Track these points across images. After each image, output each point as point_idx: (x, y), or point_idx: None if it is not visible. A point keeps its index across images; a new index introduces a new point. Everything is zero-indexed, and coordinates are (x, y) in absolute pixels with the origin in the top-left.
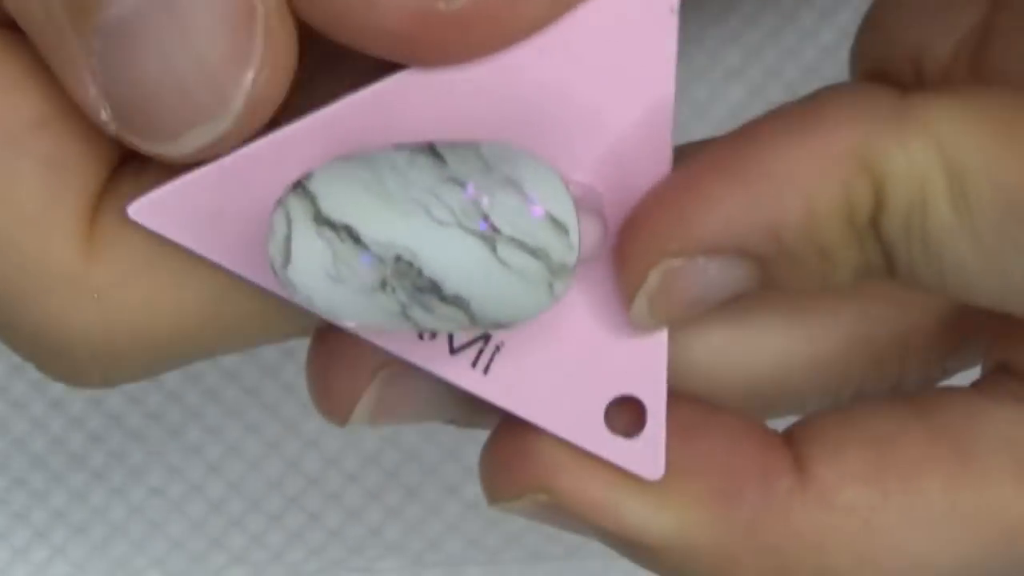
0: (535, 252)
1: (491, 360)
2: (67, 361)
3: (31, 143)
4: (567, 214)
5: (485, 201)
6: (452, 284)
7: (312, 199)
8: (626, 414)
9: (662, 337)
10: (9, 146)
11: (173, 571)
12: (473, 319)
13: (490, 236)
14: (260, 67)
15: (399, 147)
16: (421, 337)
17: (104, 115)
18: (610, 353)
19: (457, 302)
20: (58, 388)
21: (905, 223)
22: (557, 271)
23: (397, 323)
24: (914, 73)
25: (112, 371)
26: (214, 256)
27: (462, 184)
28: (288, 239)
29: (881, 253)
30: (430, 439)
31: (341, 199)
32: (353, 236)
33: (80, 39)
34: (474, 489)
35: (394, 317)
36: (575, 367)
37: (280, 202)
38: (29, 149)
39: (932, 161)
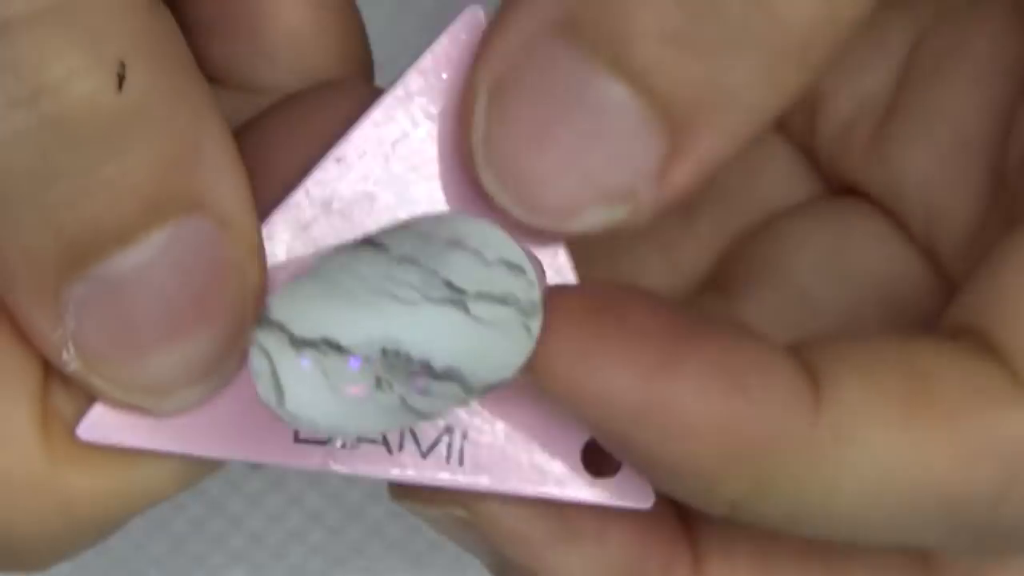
0: (503, 299)
1: (462, 449)
2: (28, 559)
3: None
4: (516, 255)
5: (440, 268)
6: (441, 357)
7: (281, 327)
8: (597, 455)
9: None
10: None
11: (173, 570)
12: (467, 387)
13: (458, 299)
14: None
15: (337, 249)
16: (390, 452)
17: (66, 355)
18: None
19: (450, 375)
20: None
21: (792, 510)
22: (528, 311)
23: (399, 420)
24: (806, 122)
25: (70, 554)
26: (172, 447)
27: (412, 260)
28: (274, 374)
29: (735, 510)
30: None
31: (309, 316)
32: (334, 346)
33: (61, 283)
34: None
35: (395, 414)
36: (539, 427)
37: (253, 343)
38: None
39: (841, 467)
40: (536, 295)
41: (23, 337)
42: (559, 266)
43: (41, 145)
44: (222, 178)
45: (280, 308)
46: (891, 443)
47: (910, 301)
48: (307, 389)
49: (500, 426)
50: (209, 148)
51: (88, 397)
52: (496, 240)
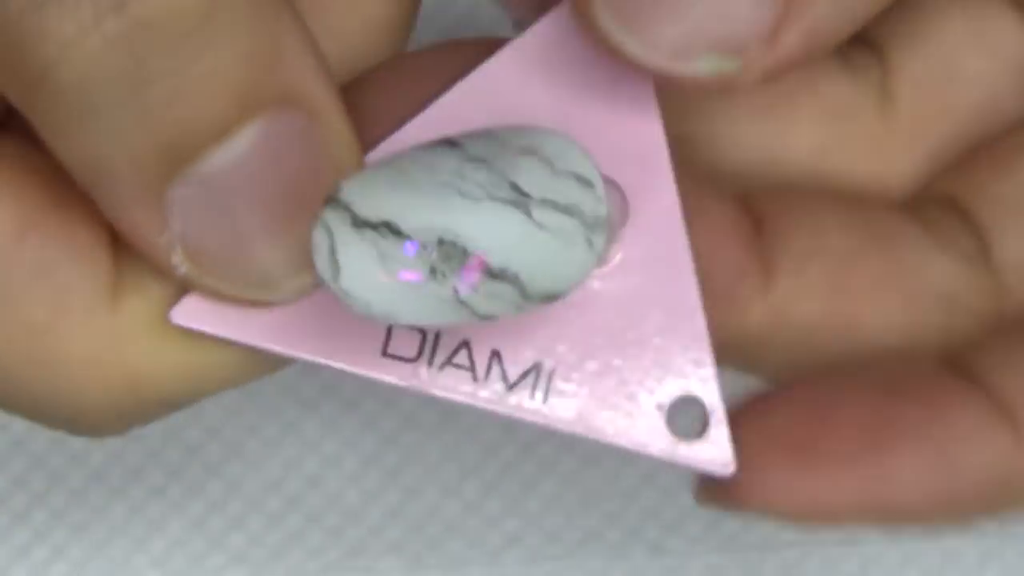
0: (567, 209)
1: (548, 387)
2: (96, 426)
3: (16, 255)
4: (588, 170)
5: (509, 171)
6: (498, 255)
7: (346, 207)
8: (687, 412)
9: (704, 330)
10: None
11: (173, 571)
12: (524, 292)
13: (522, 201)
14: None
15: (417, 145)
16: (475, 378)
17: (175, 259)
18: (658, 358)
19: (505, 275)
20: None
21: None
22: (592, 225)
23: (451, 314)
24: None
25: (137, 425)
26: (260, 342)
27: (484, 160)
28: (332, 250)
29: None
30: (430, 439)
31: (374, 199)
32: (394, 230)
33: (164, 186)
34: (474, 489)
35: (448, 307)
36: (629, 378)
37: (317, 218)
38: (16, 262)
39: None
40: (602, 211)
41: (94, 215)
42: (653, 137)
43: (132, 49)
44: (308, 73)
45: (349, 190)
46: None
47: None
48: (362, 268)
49: (590, 370)
50: (291, 45)
51: (175, 288)
52: (571, 154)
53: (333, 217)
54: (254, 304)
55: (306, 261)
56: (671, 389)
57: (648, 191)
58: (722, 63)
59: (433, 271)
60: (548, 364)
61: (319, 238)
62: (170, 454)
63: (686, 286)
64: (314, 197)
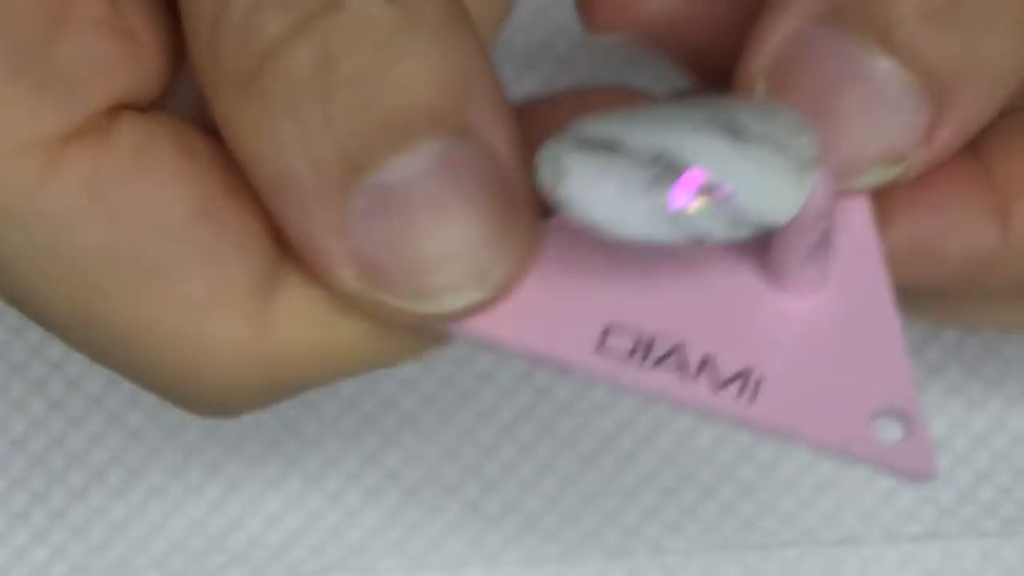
0: (779, 145)
1: (756, 391)
2: (221, 407)
3: (189, 236)
4: (803, 127)
5: (728, 110)
6: (712, 174)
7: (574, 132)
8: (890, 421)
9: (903, 348)
10: (167, 241)
11: (173, 571)
12: (734, 214)
13: (739, 130)
14: (518, 249)
15: None
16: (684, 380)
17: (347, 273)
18: (863, 372)
19: (719, 193)
20: (58, 388)
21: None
22: (802, 162)
23: (664, 229)
24: None
25: (259, 408)
26: (475, 332)
27: (704, 106)
28: (556, 160)
29: None
30: (430, 439)
31: (601, 125)
32: (616, 147)
33: (345, 193)
34: (474, 489)
35: (662, 222)
36: (835, 388)
37: (546, 143)
38: (187, 242)
39: None
40: (813, 152)
41: (258, 208)
42: (862, 218)
43: (330, 52)
44: (491, 107)
45: (579, 122)
46: None
47: None
48: (582, 179)
49: (799, 375)
50: (477, 83)
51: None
52: (790, 115)
53: (561, 137)
54: (419, 320)
55: (473, 280)
56: (876, 401)
57: (851, 244)
58: (887, 172)
59: (650, 183)
60: (757, 371)
61: (545, 153)
62: (170, 454)
63: (889, 313)
64: (487, 215)
